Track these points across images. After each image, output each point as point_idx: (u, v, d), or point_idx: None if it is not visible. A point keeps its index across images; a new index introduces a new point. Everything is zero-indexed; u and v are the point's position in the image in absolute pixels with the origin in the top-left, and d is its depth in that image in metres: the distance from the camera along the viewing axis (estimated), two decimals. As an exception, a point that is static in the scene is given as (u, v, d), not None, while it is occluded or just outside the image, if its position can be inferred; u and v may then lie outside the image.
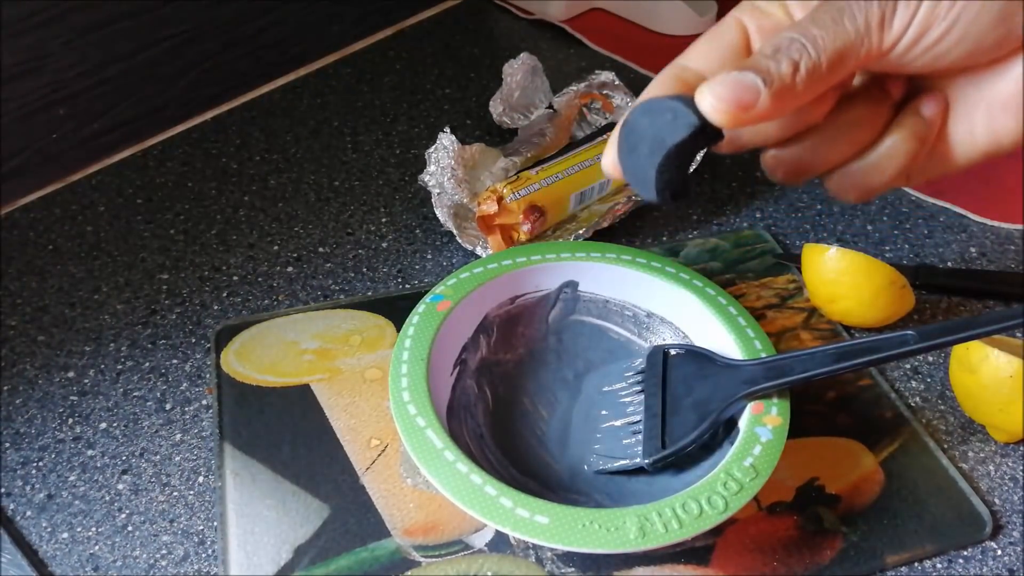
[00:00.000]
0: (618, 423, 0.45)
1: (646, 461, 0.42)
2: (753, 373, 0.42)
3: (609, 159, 0.32)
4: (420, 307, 0.46)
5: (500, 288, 0.49)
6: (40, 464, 0.46)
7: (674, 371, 0.45)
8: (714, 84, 0.29)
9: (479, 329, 0.48)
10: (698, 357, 0.45)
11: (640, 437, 0.43)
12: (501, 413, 0.47)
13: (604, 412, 0.46)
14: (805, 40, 0.29)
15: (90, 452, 0.47)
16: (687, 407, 0.43)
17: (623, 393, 0.46)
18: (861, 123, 0.32)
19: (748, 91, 0.28)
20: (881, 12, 0.29)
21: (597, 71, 0.65)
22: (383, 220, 0.61)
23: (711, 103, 0.29)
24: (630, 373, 0.46)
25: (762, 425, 0.42)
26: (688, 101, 0.29)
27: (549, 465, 0.45)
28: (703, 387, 0.43)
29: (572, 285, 0.50)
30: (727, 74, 0.29)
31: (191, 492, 0.45)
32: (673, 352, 0.46)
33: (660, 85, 0.32)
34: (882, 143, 0.32)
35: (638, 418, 0.44)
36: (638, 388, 0.45)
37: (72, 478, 0.45)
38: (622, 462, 0.43)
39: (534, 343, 0.50)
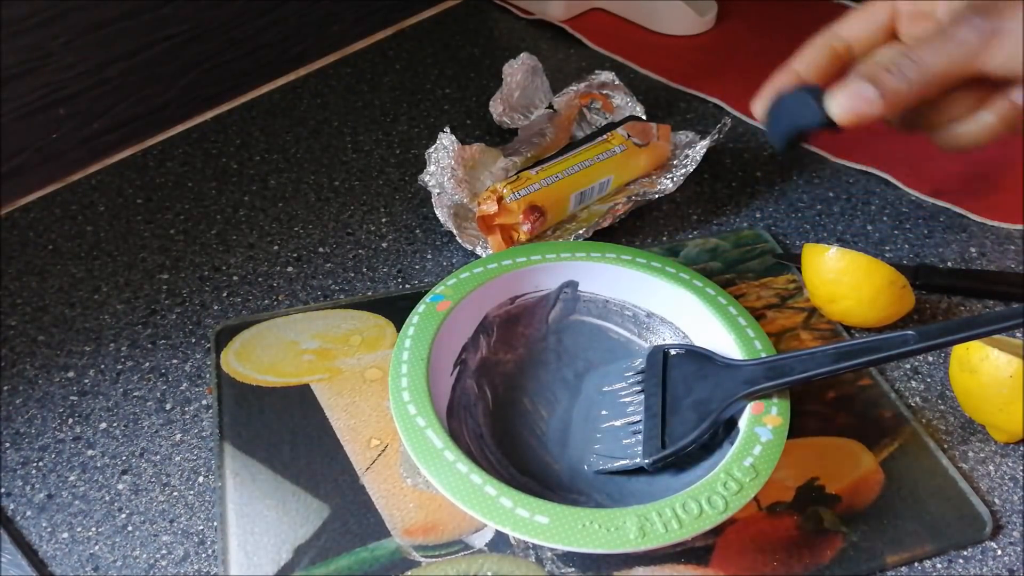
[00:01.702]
0: (618, 423, 0.45)
1: (646, 461, 0.42)
2: (753, 373, 0.42)
3: (760, 108, 0.44)
4: (420, 307, 0.46)
5: (500, 288, 0.49)
6: (40, 464, 0.46)
7: (674, 371, 0.45)
8: (840, 94, 0.39)
9: (479, 329, 0.48)
10: (698, 357, 0.45)
11: (640, 437, 0.43)
12: (501, 413, 0.47)
13: (604, 412, 0.46)
14: (915, 60, 0.38)
15: (90, 452, 0.47)
16: (687, 407, 0.43)
17: (623, 393, 0.46)
18: (960, 101, 0.41)
19: (867, 102, 0.39)
20: (986, 40, 0.37)
21: (597, 71, 0.65)
22: (383, 220, 0.61)
23: (836, 111, 0.40)
24: (630, 373, 0.46)
25: (762, 425, 0.42)
26: (821, 99, 0.40)
27: (549, 465, 0.45)
28: (703, 387, 0.43)
29: (572, 285, 0.50)
30: (853, 84, 0.39)
31: (191, 492, 0.45)
32: (673, 352, 0.46)
33: (815, 50, 0.43)
34: (975, 117, 0.40)
35: (638, 418, 0.44)
36: (638, 388, 0.45)
37: (72, 478, 0.45)
38: (622, 462, 0.43)
39: (534, 343, 0.50)
